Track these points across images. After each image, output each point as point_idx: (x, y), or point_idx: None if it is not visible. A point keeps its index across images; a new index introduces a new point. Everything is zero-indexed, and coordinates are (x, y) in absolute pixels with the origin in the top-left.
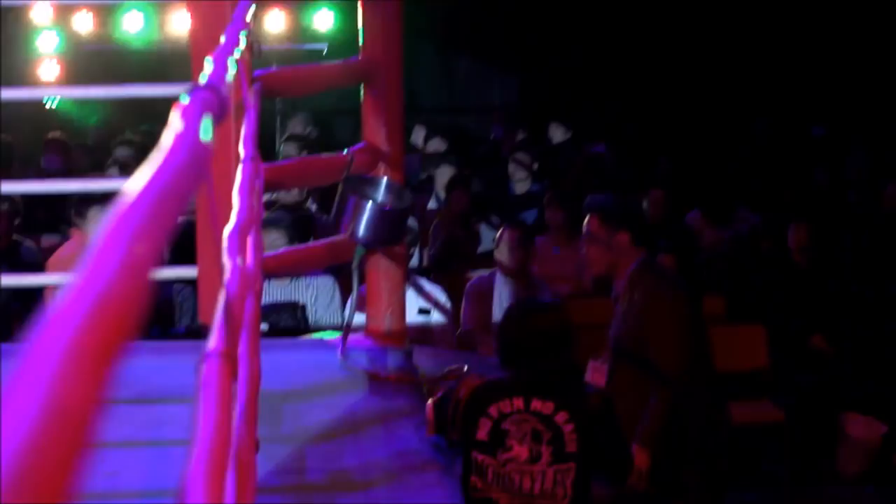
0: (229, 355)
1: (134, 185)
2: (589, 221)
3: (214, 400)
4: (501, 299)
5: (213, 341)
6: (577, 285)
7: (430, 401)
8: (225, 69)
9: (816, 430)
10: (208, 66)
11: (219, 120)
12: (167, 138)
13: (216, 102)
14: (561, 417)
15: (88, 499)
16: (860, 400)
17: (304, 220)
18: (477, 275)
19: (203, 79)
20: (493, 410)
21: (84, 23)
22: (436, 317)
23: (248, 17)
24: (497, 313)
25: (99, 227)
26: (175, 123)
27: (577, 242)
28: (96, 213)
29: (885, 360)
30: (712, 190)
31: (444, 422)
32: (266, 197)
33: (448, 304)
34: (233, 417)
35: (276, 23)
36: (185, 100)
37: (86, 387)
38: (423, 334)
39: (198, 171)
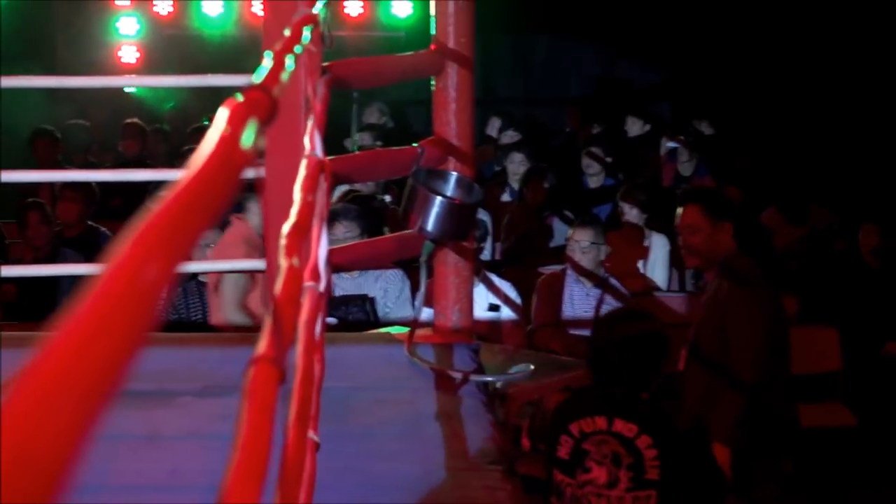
0: (274, 360)
1: (165, 192)
2: (688, 212)
3: (255, 407)
4: (573, 296)
5: (260, 346)
6: (648, 283)
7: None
8: (282, 67)
9: (890, 436)
10: (265, 62)
11: (266, 122)
12: (208, 140)
13: (265, 104)
14: (643, 442)
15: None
16: None
17: (376, 212)
18: (549, 270)
19: (257, 78)
20: (574, 428)
21: (164, 7)
22: (506, 313)
23: (320, 6)
24: (568, 310)
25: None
26: (217, 126)
27: (648, 237)
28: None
29: None
30: (789, 188)
31: (533, 433)
32: (344, 188)
33: (518, 300)
34: (278, 422)
35: (353, 9)
36: (233, 101)
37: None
38: (492, 330)
39: (233, 177)
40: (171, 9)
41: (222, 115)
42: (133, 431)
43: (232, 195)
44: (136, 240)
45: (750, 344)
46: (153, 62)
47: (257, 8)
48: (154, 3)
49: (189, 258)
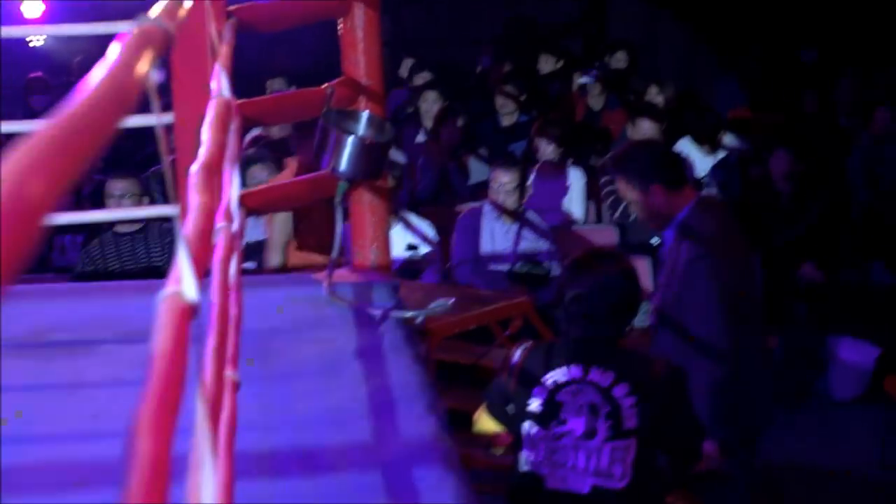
0: (184, 294)
1: (47, 119)
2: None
3: (167, 340)
4: (493, 232)
5: (170, 282)
6: (566, 217)
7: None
8: (178, 3)
9: (809, 355)
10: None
11: (160, 54)
12: (100, 67)
13: (159, 36)
14: (620, 390)
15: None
16: (852, 324)
17: (288, 156)
18: (467, 208)
19: (152, 12)
20: (548, 380)
21: None
22: (424, 251)
23: None
24: (487, 246)
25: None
26: (110, 54)
27: (566, 173)
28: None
29: (875, 284)
30: (700, 117)
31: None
32: (254, 133)
33: (436, 239)
34: (193, 358)
35: None
36: (127, 33)
37: None
38: (410, 269)
39: (123, 103)
40: None
41: (115, 45)
42: (54, 381)
43: (121, 120)
44: (19, 157)
45: (714, 317)
46: (58, 17)
47: None
48: None
49: (74, 179)
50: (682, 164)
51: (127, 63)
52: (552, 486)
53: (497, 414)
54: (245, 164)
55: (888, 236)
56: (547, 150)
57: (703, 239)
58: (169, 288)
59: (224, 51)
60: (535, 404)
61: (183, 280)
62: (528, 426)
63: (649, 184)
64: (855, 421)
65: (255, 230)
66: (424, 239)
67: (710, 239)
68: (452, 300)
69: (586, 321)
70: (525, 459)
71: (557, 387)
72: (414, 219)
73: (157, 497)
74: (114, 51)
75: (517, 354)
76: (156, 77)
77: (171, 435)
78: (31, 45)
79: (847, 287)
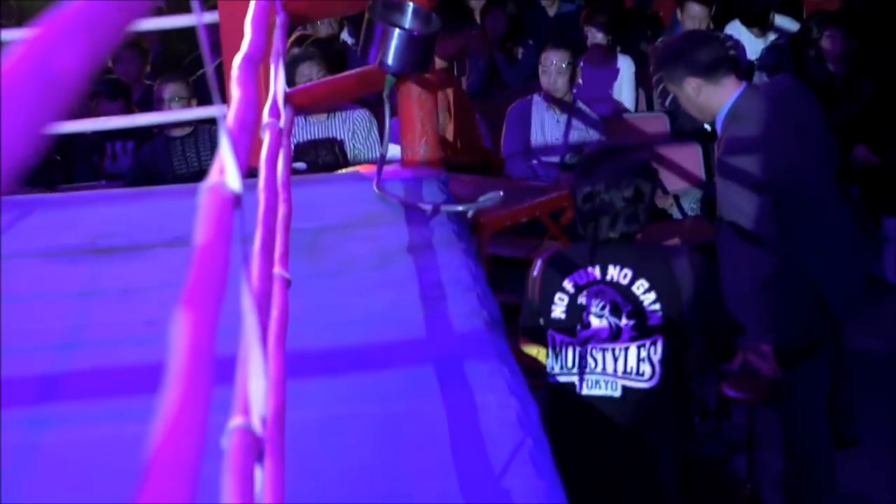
0: (226, 186)
1: None
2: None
3: (208, 228)
4: (543, 123)
5: (213, 173)
6: (616, 105)
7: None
8: None
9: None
10: None
11: None
12: None
13: None
14: (640, 287)
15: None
16: None
17: (337, 53)
18: (518, 100)
19: None
20: (568, 284)
21: None
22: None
23: None
24: (538, 138)
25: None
26: None
27: (615, 60)
28: None
29: None
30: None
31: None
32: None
33: (485, 133)
34: (243, 252)
35: None
36: None
37: None
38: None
39: None
40: None
41: None
42: (105, 286)
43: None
44: (50, 23)
45: (747, 213)
46: None
47: None
48: None
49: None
50: (726, 52)
51: None
52: (585, 392)
53: (532, 334)
54: (293, 63)
55: None
56: (596, 37)
57: (739, 133)
58: (211, 178)
59: None
60: (558, 310)
61: (226, 170)
62: (554, 334)
63: (684, 77)
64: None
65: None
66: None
67: (749, 132)
68: (502, 193)
69: (599, 219)
70: (556, 368)
71: (578, 289)
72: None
73: (200, 388)
74: None
75: (538, 266)
76: None
77: (214, 325)
78: None
79: None
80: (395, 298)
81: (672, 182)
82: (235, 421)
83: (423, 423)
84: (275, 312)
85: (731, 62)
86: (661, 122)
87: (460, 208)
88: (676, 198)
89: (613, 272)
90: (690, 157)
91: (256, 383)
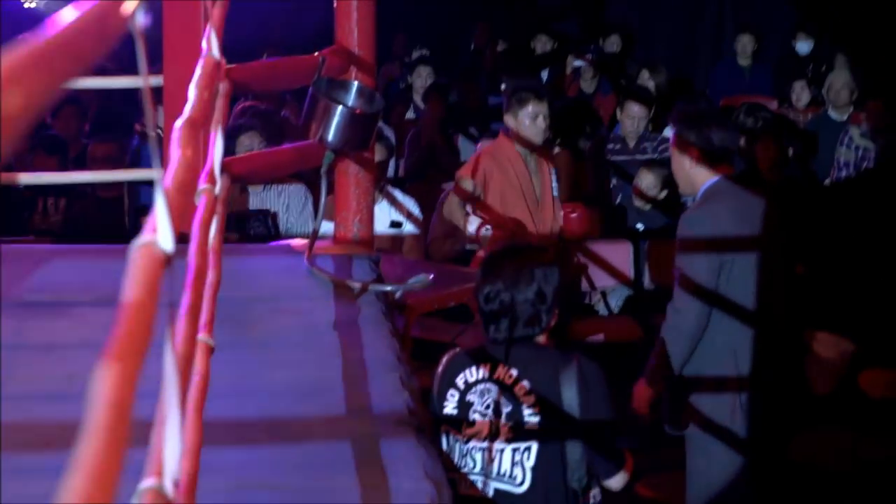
0: (158, 245)
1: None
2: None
3: (137, 285)
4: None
5: (145, 232)
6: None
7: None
8: None
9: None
10: None
11: None
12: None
13: None
14: (521, 389)
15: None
16: (828, 318)
17: (278, 125)
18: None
19: None
20: (460, 380)
21: None
22: (408, 229)
23: None
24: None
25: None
26: None
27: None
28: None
29: (853, 279)
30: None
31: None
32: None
33: (420, 217)
34: (168, 315)
35: None
36: None
37: None
38: (393, 246)
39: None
40: None
41: None
42: (29, 342)
43: (104, 51)
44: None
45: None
46: None
47: None
48: None
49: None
50: (735, 144)
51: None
52: (463, 491)
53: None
54: (234, 133)
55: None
56: None
57: (704, 211)
58: (144, 236)
59: (216, 13)
60: (450, 406)
61: (159, 230)
62: (447, 429)
63: (692, 145)
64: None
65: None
66: (409, 216)
67: (712, 215)
68: (432, 276)
69: (500, 320)
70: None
71: (468, 386)
72: (399, 195)
73: (116, 445)
74: None
75: (443, 362)
76: (142, 20)
77: (135, 382)
78: (26, 6)
79: (825, 281)
80: (317, 374)
81: (600, 278)
82: (148, 482)
83: (336, 500)
84: (196, 378)
85: (733, 155)
86: (594, 217)
87: (388, 289)
88: (604, 294)
89: (501, 371)
90: (620, 254)
91: (172, 446)
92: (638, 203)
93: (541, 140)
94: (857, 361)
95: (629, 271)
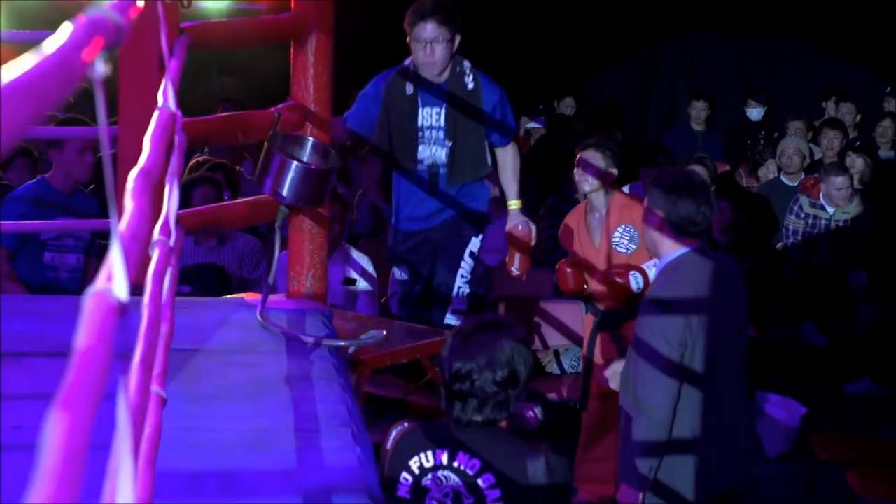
0: (112, 293)
1: None
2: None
3: (90, 333)
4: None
5: (100, 282)
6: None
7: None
8: (132, 2)
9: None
10: None
11: (110, 45)
12: (48, 43)
13: (109, 27)
14: (486, 481)
15: None
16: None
17: (234, 179)
18: None
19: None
20: (414, 464)
21: None
22: (362, 285)
23: None
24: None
25: None
26: (59, 33)
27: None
28: None
29: (805, 343)
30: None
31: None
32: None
33: (374, 274)
34: (120, 366)
35: None
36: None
37: None
38: (347, 303)
39: (66, 82)
40: None
41: (63, 28)
42: None
43: (62, 98)
44: None
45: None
46: None
47: None
48: None
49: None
50: (704, 221)
51: (73, 47)
52: None
53: None
54: (189, 185)
55: (820, 299)
56: (494, 191)
57: (669, 285)
58: (98, 284)
59: (173, 65)
60: (403, 490)
61: (113, 278)
62: None
63: (658, 209)
64: (780, 478)
65: (201, 254)
66: (363, 273)
67: (678, 289)
68: (384, 333)
69: (466, 400)
70: None
71: (423, 471)
72: (353, 253)
73: (67, 496)
74: (62, 33)
75: (391, 438)
76: (101, 70)
77: (87, 431)
78: None
79: (777, 344)
80: (269, 427)
81: (553, 338)
82: None
83: None
84: (148, 430)
85: (701, 230)
86: (547, 277)
87: (341, 344)
88: (557, 354)
89: (463, 459)
90: (573, 313)
91: (123, 497)
92: None
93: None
94: (809, 425)
95: (581, 331)
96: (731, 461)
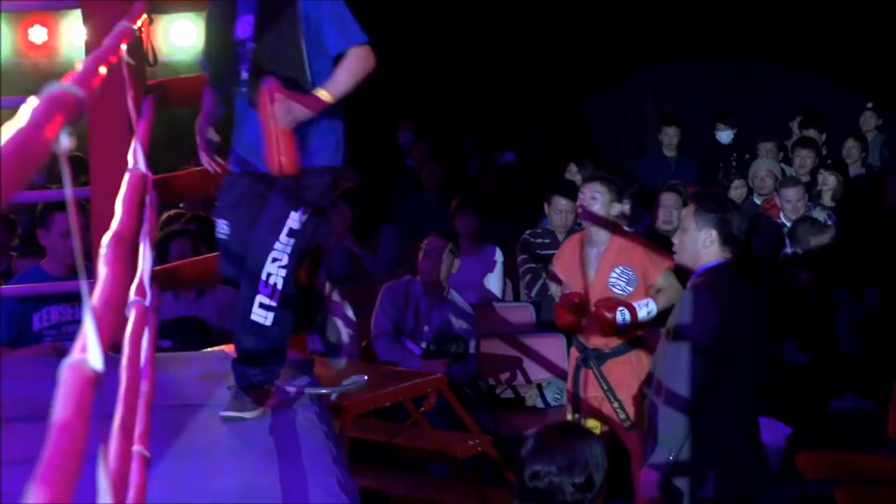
0: (87, 363)
1: None
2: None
3: (68, 405)
4: (419, 307)
5: (75, 353)
6: (485, 294)
7: None
8: (94, 73)
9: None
10: (77, 68)
11: (72, 119)
12: (9, 126)
13: (72, 103)
14: None
15: None
16: (763, 403)
17: (210, 230)
18: (392, 280)
19: (65, 80)
20: None
21: None
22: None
23: (139, 26)
24: (411, 322)
25: None
26: (22, 113)
27: (485, 250)
28: None
29: (787, 363)
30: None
31: None
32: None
33: (353, 318)
34: (97, 430)
35: (185, 35)
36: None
37: None
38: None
39: (30, 162)
40: None
41: (26, 108)
42: None
43: (27, 178)
44: None
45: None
46: None
47: (35, 36)
48: None
49: None
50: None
51: (34, 126)
52: None
53: None
54: (165, 240)
55: (799, 316)
56: (470, 226)
57: (704, 291)
58: (73, 355)
59: (141, 126)
60: None
61: (88, 349)
62: None
63: (710, 226)
64: (768, 501)
65: (174, 307)
66: (343, 317)
67: (700, 312)
68: (366, 377)
69: (541, 500)
70: None
71: None
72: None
73: None
74: (23, 113)
75: None
76: (66, 144)
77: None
78: None
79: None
80: (254, 479)
81: (535, 372)
82: None
83: None
84: (131, 491)
85: (741, 245)
86: (527, 311)
87: (324, 391)
88: (539, 387)
89: None
90: (554, 347)
91: None
92: None
93: None
94: (795, 445)
95: (564, 364)
96: (748, 464)
